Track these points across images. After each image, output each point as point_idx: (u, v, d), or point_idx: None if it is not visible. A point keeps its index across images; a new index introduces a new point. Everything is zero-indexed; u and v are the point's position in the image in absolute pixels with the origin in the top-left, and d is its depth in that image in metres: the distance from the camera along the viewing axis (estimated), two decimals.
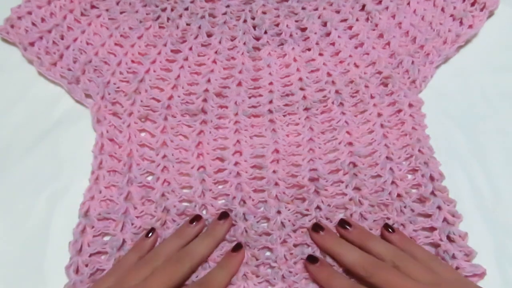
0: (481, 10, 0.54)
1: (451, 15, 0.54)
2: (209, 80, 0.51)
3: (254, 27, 0.55)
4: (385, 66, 0.51)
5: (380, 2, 0.56)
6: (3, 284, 0.41)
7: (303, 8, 0.56)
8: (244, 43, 0.54)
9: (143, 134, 0.49)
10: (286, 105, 0.50)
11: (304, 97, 0.50)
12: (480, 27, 0.54)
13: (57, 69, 0.52)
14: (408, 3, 0.56)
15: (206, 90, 0.50)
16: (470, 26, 0.54)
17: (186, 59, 0.53)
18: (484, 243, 0.42)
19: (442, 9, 0.55)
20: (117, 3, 0.57)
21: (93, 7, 0.56)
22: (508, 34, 0.55)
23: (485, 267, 0.40)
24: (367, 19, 0.55)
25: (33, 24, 0.54)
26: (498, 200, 0.45)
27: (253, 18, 0.56)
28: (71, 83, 0.51)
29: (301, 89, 0.51)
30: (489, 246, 0.42)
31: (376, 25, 0.54)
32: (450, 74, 0.52)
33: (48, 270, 0.42)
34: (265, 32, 0.55)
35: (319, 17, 0.55)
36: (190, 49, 0.53)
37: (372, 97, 0.50)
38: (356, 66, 0.52)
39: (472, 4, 0.55)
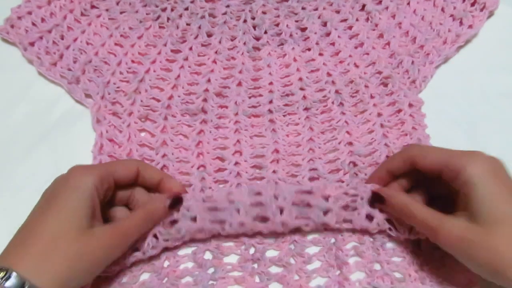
0: (481, 10, 0.54)
1: (451, 15, 0.54)
2: (209, 80, 0.51)
3: (254, 27, 0.55)
4: (385, 66, 0.51)
5: (380, 2, 0.56)
6: None
7: (303, 8, 0.56)
8: (244, 43, 0.54)
9: (143, 134, 0.48)
10: (286, 105, 0.50)
11: (304, 97, 0.50)
12: (480, 27, 0.54)
13: (57, 69, 0.52)
14: (408, 3, 0.56)
15: (206, 90, 0.50)
16: (470, 26, 0.54)
17: (186, 59, 0.53)
18: None
19: (442, 9, 0.55)
20: (117, 3, 0.57)
21: (93, 7, 0.56)
22: (508, 34, 0.55)
23: None
24: (367, 19, 0.55)
25: (33, 24, 0.54)
26: None
27: (253, 18, 0.55)
28: (71, 83, 0.51)
29: (301, 89, 0.50)
30: None
31: (376, 25, 0.54)
32: (450, 74, 0.52)
33: None
34: (265, 32, 0.54)
35: (319, 17, 0.55)
36: (190, 49, 0.53)
37: (372, 97, 0.50)
38: (356, 66, 0.52)
39: (472, 4, 0.55)
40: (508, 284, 0.33)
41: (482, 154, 0.38)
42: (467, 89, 0.51)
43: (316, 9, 0.56)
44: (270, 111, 0.49)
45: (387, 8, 0.55)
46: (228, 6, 0.56)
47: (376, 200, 0.41)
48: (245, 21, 0.55)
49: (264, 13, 0.56)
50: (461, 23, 0.54)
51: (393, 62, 0.52)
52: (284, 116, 0.49)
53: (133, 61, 0.53)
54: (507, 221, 0.35)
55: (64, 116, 0.50)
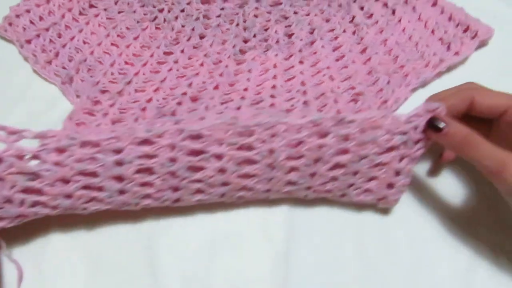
0: (472, 38, 0.52)
1: (440, 38, 0.53)
2: (190, 84, 0.50)
3: (245, 29, 0.55)
4: (360, 82, 0.50)
5: (371, 16, 0.55)
6: (3, 284, 0.41)
7: (295, 13, 0.56)
8: (233, 46, 0.54)
9: None
10: None
11: (272, 105, 0.49)
12: (466, 56, 0.52)
13: (51, 67, 0.52)
14: (399, 21, 0.54)
15: (184, 93, 0.50)
16: (457, 53, 0.52)
17: (176, 61, 0.53)
18: None
19: (432, 31, 0.53)
20: (116, 3, 0.57)
21: (91, 6, 0.57)
22: (508, 36, 0.53)
23: None
24: (354, 32, 0.54)
25: (31, 22, 0.54)
26: (498, 199, 0.44)
27: (245, 21, 0.56)
28: (65, 83, 0.51)
29: (272, 96, 0.50)
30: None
31: (362, 39, 0.53)
32: (449, 78, 0.51)
33: (47, 270, 0.42)
34: (254, 36, 0.54)
35: (309, 24, 0.55)
36: (182, 51, 0.53)
37: (338, 112, 0.48)
38: (332, 79, 0.51)
39: (465, 31, 0.53)
40: None
41: None
42: None
43: (308, 15, 0.56)
44: None
45: (376, 22, 0.54)
46: (222, 8, 0.57)
47: (431, 127, 0.37)
48: (237, 24, 0.56)
49: (256, 16, 0.56)
50: (448, 48, 0.52)
51: (369, 79, 0.51)
52: None
53: (126, 63, 0.52)
54: None
55: (64, 116, 0.49)
